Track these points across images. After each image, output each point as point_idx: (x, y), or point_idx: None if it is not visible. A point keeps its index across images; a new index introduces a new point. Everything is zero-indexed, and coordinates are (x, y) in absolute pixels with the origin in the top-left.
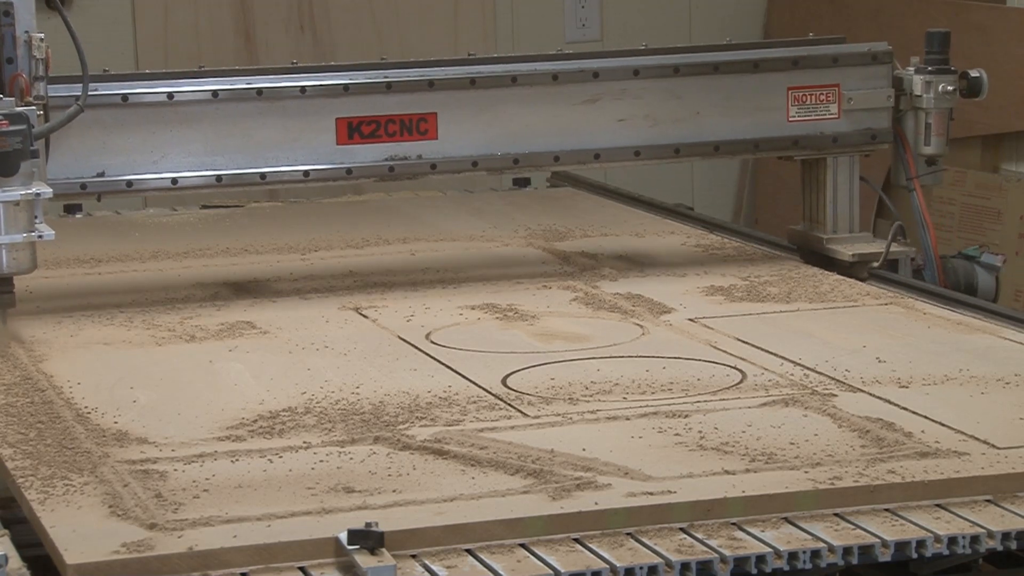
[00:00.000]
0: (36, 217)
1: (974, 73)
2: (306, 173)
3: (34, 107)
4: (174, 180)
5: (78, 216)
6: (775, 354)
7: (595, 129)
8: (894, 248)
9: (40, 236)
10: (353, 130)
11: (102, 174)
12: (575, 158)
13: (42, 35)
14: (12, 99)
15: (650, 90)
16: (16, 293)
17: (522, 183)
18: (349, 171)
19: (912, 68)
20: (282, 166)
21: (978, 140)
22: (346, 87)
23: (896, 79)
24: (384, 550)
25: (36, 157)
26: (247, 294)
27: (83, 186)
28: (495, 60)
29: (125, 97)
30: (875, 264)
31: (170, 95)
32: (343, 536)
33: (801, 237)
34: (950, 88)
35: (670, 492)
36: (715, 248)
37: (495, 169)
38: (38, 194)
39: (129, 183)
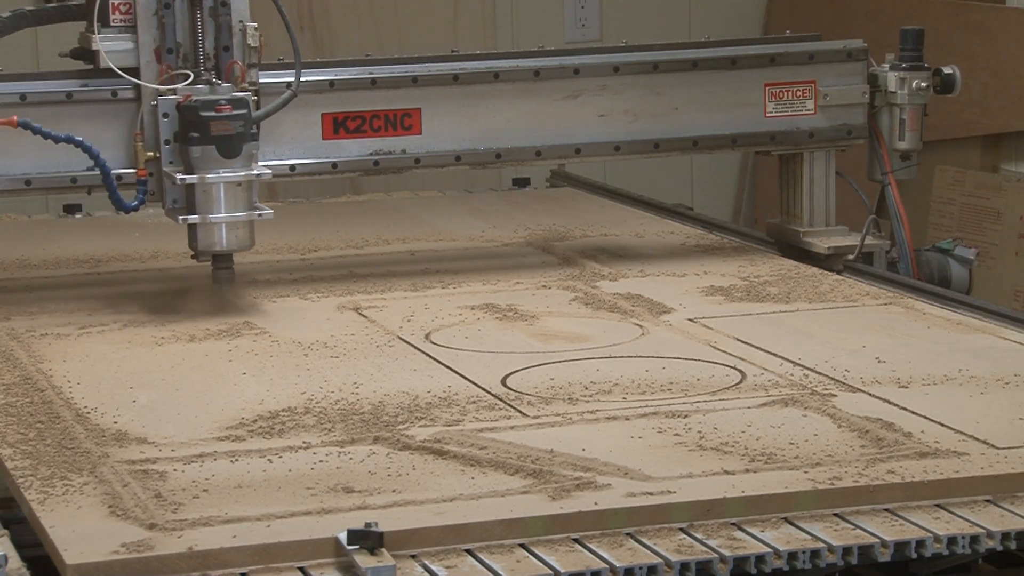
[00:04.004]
0: (254, 197)
1: (947, 70)
2: (292, 167)
3: (249, 92)
4: (119, 176)
5: (78, 216)
6: (775, 354)
7: (576, 124)
8: (869, 241)
9: (260, 215)
10: (339, 125)
11: (92, 168)
12: (556, 153)
13: (255, 24)
14: (229, 85)
15: (630, 86)
16: (230, 271)
17: (522, 183)
18: (334, 165)
19: (887, 65)
20: (269, 160)
21: (978, 140)
22: (332, 83)
23: (871, 76)
24: (384, 550)
25: (256, 140)
26: (247, 294)
27: (73, 180)
28: (478, 57)
29: (115, 92)
30: (850, 257)
31: (114, 93)
32: (343, 536)
33: (778, 230)
34: (924, 85)
35: (670, 492)
36: (715, 248)
37: (478, 163)
38: (258, 175)
39: (119, 177)
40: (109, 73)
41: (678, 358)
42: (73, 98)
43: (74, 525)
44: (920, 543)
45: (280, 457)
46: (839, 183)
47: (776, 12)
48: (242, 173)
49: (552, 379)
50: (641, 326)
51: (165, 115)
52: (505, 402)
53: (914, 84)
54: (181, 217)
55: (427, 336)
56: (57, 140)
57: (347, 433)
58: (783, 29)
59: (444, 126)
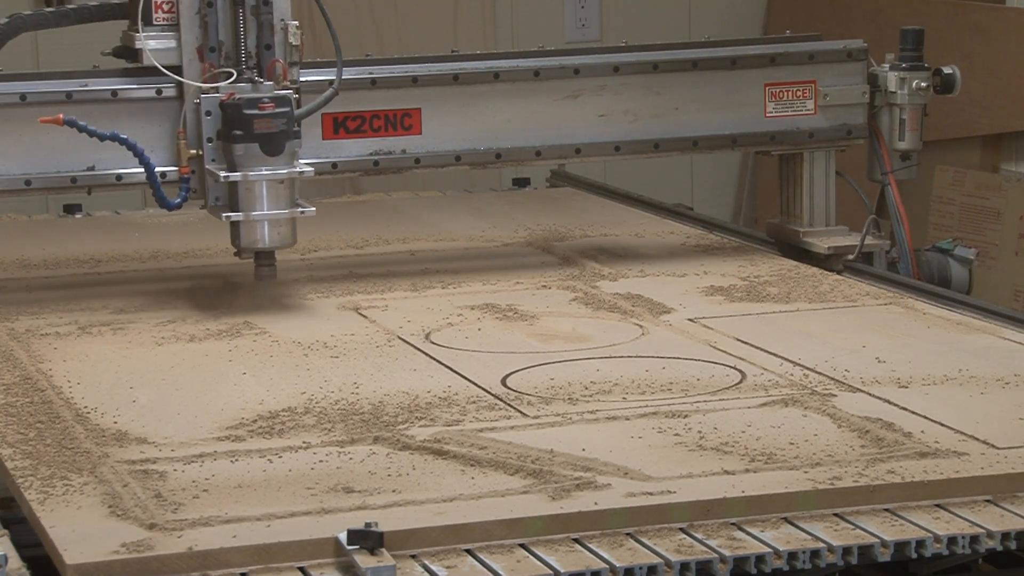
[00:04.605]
0: (295, 194)
1: (947, 70)
2: None
3: (291, 90)
4: (163, 174)
5: (78, 216)
6: (775, 354)
7: (576, 124)
8: (869, 241)
9: (302, 212)
10: (339, 125)
11: (92, 168)
12: (556, 153)
13: (296, 23)
14: (271, 83)
15: (630, 86)
16: (281, 271)
17: (522, 183)
18: (335, 165)
19: (887, 65)
20: None
21: (978, 140)
22: (331, 83)
23: (871, 76)
24: (384, 550)
25: (298, 138)
26: (247, 294)
27: (73, 180)
28: (478, 57)
29: (115, 93)
30: (850, 257)
31: (159, 91)
32: (343, 536)
33: (778, 230)
34: (924, 85)
35: (670, 492)
36: (715, 248)
37: (478, 163)
38: (301, 172)
39: (119, 177)
40: (152, 71)
41: (678, 358)
42: (98, 95)
43: (74, 525)
44: (920, 543)
45: (280, 457)
46: (838, 183)
47: (776, 12)
48: (284, 171)
49: (552, 379)
50: (641, 326)
51: (208, 113)
52: (505, 402)
53: (914, 84)
54: (224, 214)
55: (427, 336)
56: (102, 138)
57: (347, 433)
58: (783, 29)
59: (444, 126)
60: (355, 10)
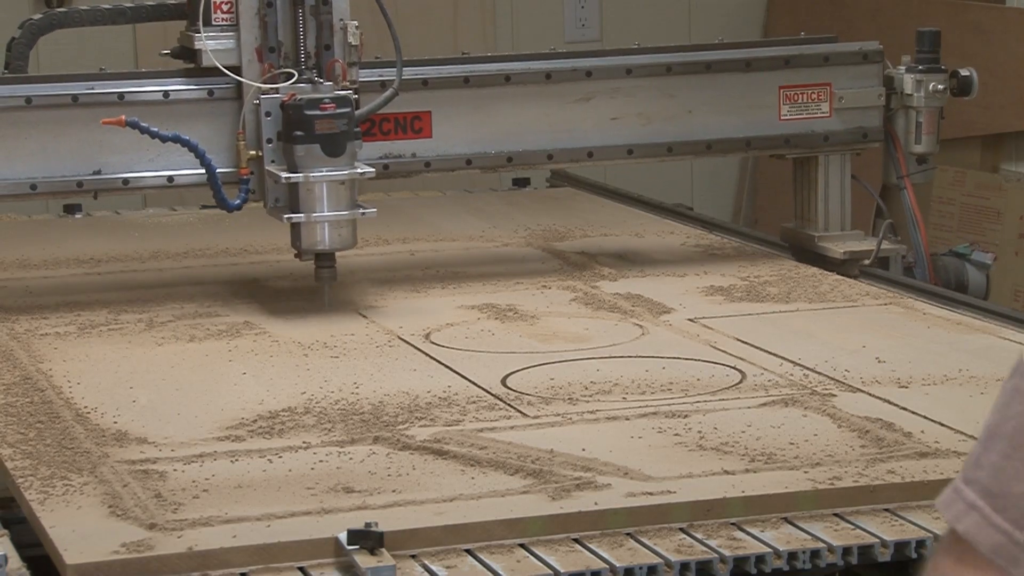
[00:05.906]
0: (355, 195)
1: (964, 72)
2: None
3: (350, 91)
4: (170, 178)
5: (78, 216)
6: (775, 354)
7: (588, 127)
8: (885, 246)
9: (363, 213)
10: None
11: (98, 172)
12: (568, 156)
13: (356, 23)
14: (331, 84)
15: (643, 88)
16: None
17: (522, 183)
18: None
19: (903, 67)
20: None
21: (978, 140)
22: (389, 83)
23: (887, 78)
24: (384, 550)
25: (359, 139)
26: (247, 294)
27: (79, 184)
28: (489, 59)
29: (121, 96)
30: (866, 262)
31: (165, 94)
32: (343, 536)
33: (793, 235)
34: (940, 87)
35: (670, 492)
36: (715, 248)
37: (489, 167)
38: (362, 173)
39: (125, 181)
40: (210, 72)
41: (678, 358)
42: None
43: (74, 525)
44: (920, 543)
45: (280, 457)
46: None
47: (776, 12)
48: (346, 172)
49: (552, 379)
50: (641, 326)
51: (268, 114)
52: (505, 402)
53: (931, 86)
54: (285, 216)
55: (427, 336)
56: (164, 139)
57: (347, 433)
58: (783, 29)
59: (455, 129)
60: (355, 10)
